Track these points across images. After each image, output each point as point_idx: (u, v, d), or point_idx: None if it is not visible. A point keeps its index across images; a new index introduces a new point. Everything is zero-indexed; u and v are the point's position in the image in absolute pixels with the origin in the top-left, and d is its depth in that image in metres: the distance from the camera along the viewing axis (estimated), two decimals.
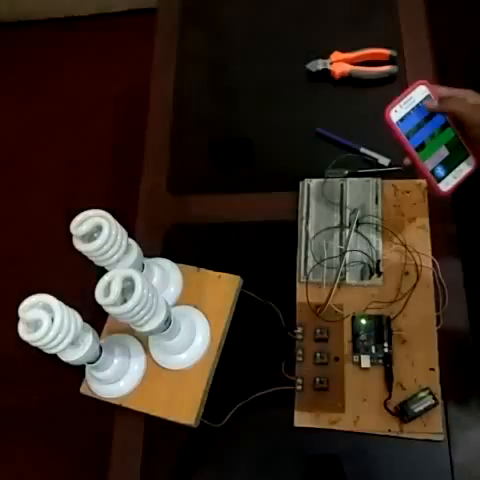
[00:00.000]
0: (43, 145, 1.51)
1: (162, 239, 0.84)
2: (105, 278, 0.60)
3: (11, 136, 1.63)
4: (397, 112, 0.63)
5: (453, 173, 0.65)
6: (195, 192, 0.88)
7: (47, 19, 1.89)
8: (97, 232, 0.63)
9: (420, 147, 0.64)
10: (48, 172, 1.45)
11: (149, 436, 0.72)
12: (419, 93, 0.64)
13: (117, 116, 1.43)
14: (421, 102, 0.64)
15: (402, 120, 0.63)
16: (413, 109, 0.64)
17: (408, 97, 0.63)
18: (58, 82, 1.73)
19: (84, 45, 1.80)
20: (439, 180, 0.65)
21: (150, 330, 0.63)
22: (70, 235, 0.64)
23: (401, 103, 0.63)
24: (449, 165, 0.65)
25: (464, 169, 0.66)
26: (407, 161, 0.66)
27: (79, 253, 0.65)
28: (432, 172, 0.65)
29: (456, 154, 0.65)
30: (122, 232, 0.66)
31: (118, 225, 0.65)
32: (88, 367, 0.70)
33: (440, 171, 0.65)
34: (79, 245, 0.63)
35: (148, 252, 0.79)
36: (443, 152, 0.65)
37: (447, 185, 0.65)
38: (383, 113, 0.63)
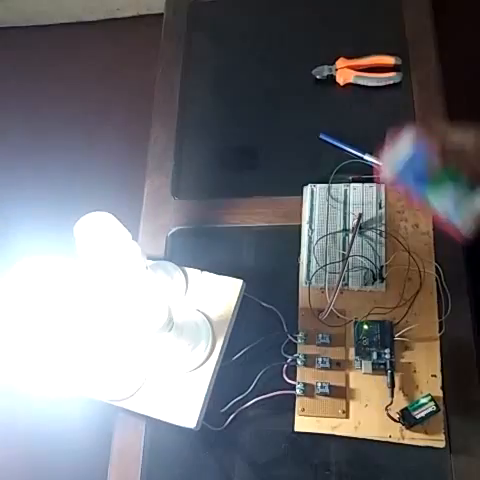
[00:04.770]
0: (50, 148, 1.52)
1: (165, 242, 0.84)
2: None
3: (19, 139, 1.64)
4: (391, 164, 0.61)
5: (469, 210, 0.60)
6: (199, 196, 0.88)
7: (57, 24, 1.91)
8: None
9: (426, 193, 0.61)
10: (54, 174, 1.46)
11: (150, 439, 0.72)
12: (408, 140, 0.61)
13: (124, 120, 1.44)
14: (413, 149, 0.61)
15: (400, 171, 0.61)
16: (407, 157, 0.61)
17: (398, 147, 0.61)
18: (65, 86, 1.75)
19: (93, 50, 1.81)
20: (458, 222, 0.60)
21: (152, 332, 0.63)
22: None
23: (392, 154, 0.61)
24: (462, 206, 0.61)
25: (478, 201, 0.61)
26: (404, 203, 0.64)
27: None
28: (447, 214, 0.61)
29: (464, 189, 0.61)
30: (125, 234, 0.66)
31: (121, 227, 0.66)
32: (91, 368, 0.70)
33: (455, 212, 0.61)
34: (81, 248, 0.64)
35: (151, 255, 0.80)
36: (451, 192, 0.61)
37: (467, 224, 0.60)
38: (378, 172, 0.61)
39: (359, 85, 0.89)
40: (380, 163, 0.62)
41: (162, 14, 1.07)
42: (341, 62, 0.90)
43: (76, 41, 1.85)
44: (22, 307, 0.58)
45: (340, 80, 0.90)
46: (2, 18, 1.92)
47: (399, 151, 0.61)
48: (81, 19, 1.90)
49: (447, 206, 0.61)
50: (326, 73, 0.91)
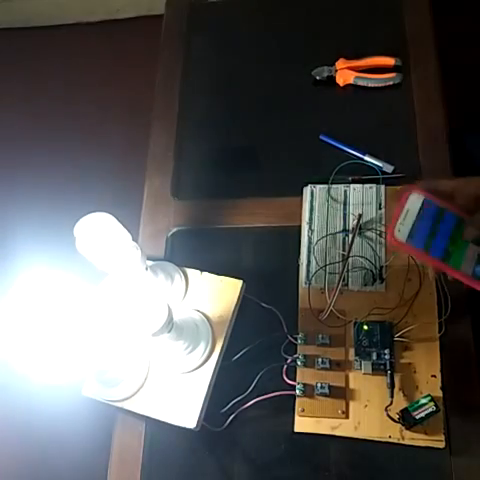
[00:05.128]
0: (50, 148, 1.53)
1: (165, 243, 0.84)
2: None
3: (18, 140, 1.65)
4: (401, 231, 0.57)
5: None
6: (199, 197, 0.88)
7: (57, 25, 1.92)
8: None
9: (446, 256, 0.57)
10: (53, 175, 1.47)
11: (150, 440, 0.72)
12: (414, 201, 0.59)
13: (124, 120, 1.44)
14: (421, 209, 0.58)
15: (411, 236, 0.57)
16: (417, 220, 0.58)
17: (405, 211, 0.58)
18: (66, 87, 1.75)
19: (93, 51, 1.82)
20: None
21: (153, 333, 0.63)
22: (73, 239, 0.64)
23: (400, 220, 0.58)
24: None
25: None
26: (431, 274, 0.61)
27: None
28: (474, 275, 0.57)
29: None
30: (125, 235, 0.66)
31: (121, 228, 0.66)
32: (91, 368, 0.70)
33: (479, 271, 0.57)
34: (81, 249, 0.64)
35: (151, 256, 0.80)
36: (473, 249, 0.58)
37: None
38: (388, 237, 0.58)
39: (359, 86, 0.90)
40: (390, 230, 0.58)
41: (162, 15, 1.07)
42: (341, 63, 0.90)
43: (76, 42, 1.85)
44: (26, 315, 0.58)
45: (340, 81, 0.90)
46: (3, 19, 1.92)
47: (408, 213, 0.58)
48: (81, 20, 1.91)
49: (470, 263, 0.57)
50: (326, 74, 0.91)
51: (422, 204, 0.59)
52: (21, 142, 1.63)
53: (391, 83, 0.89)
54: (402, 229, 0.58)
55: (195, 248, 0.84)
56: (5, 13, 1.90)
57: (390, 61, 0.90)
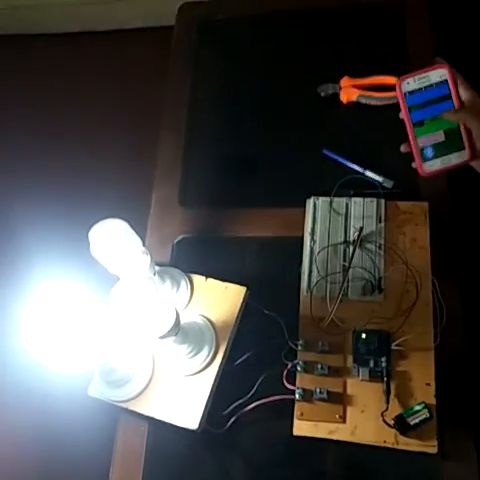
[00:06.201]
0: (59, 157, 1.55)
1: (171, 250, 0.87)
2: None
3: (26, 146, 1.67)
4: (409, 84, 0.66)
5: (441, 159, 0.66)
6: (205, 206, 0.91)
7: (64, 33, 1.94)
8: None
9: (419, 123, 0.67)
10: (64, 183, 1.49)
11: (152, 440, 0.74)
12: (436, 74, 0.66)
13: (131, 130, 1.47)
14: (436, 84, 0.66)
15: (411, 93, 0.66)
16: (425, 87, 0.66)
17: (424, 75, 0.66)
18: (73, 95, 1.78)
19: (100, 60, 1.85)
20: (425, 160, 0.67)
21: (160, 335, 0.65)
22: (83, 244, 0.66)
23: (415, 78, 0.66)
24: (440, 150, 0.66)
25: (454, 160, 0.66)
26: (404, 148, 0.68)
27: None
28: (421, 150, 0.67)
29: (452, 143, 0.66)
30: (137, 240, 0.69)
31: (134, 234, 0.68)
32: (98, 369, 0.72)
33: (429, 152, 0.67)
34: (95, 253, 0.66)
35: (157, 262, 0.82)
36: (439, 136, 0.66)
37: (431, 167, 0.67)
38: (400, 78, 0.66)
39: (362, 103, 0.93)
40: (402, 78, 0.67)
41: (170, 26, 1.10)
42: (346, 80, 0.94)
43: (84, 50, 1.88)
44: (46, 315, 0.60)
45: (343, 98, 0.93)
46: (13, 26, 1.95)
47: (425, 78, 0.66)
48: (89, 29, 1.94)
49: (427, 142, 0.67)
50: (331, 91, 0.94)
51: (440, 81, 0.66)
52: (31, 147, 1.65)
53: (393, 102, 0.92)
54: (410, 84, 0.66)
55: (200, 255, 0.86)
56: (16, 20, 1.93)
57: (393, 80, 0.92)
